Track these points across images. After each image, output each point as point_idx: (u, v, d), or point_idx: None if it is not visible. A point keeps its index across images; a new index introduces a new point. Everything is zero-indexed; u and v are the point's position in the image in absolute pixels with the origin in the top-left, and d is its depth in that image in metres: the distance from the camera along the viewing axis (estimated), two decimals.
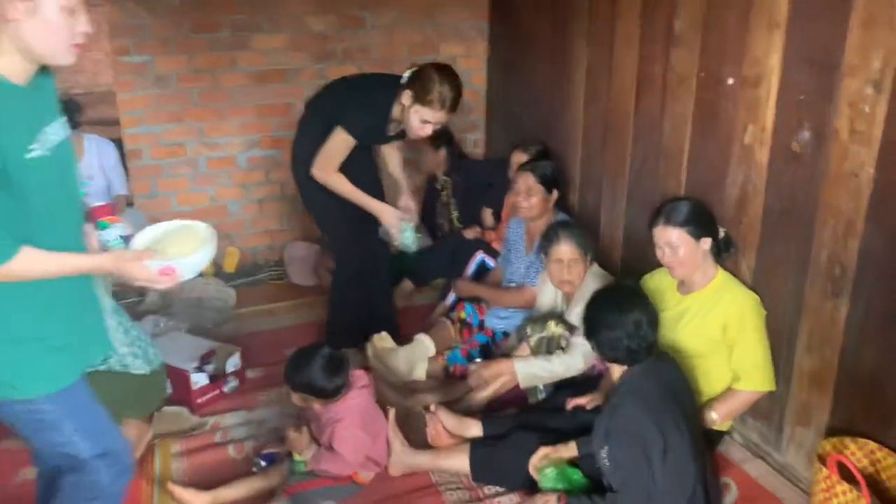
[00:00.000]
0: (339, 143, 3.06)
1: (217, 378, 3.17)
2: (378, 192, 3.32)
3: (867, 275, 2.27)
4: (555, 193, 3.44)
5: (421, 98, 2.97)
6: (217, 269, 4.35)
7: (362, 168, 3.26)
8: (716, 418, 2.61)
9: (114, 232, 2.51)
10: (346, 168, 3.13)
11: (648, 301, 2.40)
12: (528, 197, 3.38)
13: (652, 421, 2.20)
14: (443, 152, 4.25)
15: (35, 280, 1.71)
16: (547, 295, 3.25)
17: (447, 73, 3.03)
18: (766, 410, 2.71)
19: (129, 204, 4.30)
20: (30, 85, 1.69)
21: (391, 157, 3.48)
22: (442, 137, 4.16)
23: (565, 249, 3.01)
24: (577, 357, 2.91)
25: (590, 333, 2.37)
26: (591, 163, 3.69)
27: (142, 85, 4.14)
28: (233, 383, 3.23)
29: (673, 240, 2.60)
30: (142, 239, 1.95)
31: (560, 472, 2.46)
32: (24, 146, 1.64)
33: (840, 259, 2.35)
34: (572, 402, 2.71)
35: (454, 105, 3.03)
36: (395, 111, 3.08)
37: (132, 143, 4.24)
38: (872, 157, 2.20)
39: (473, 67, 4.69)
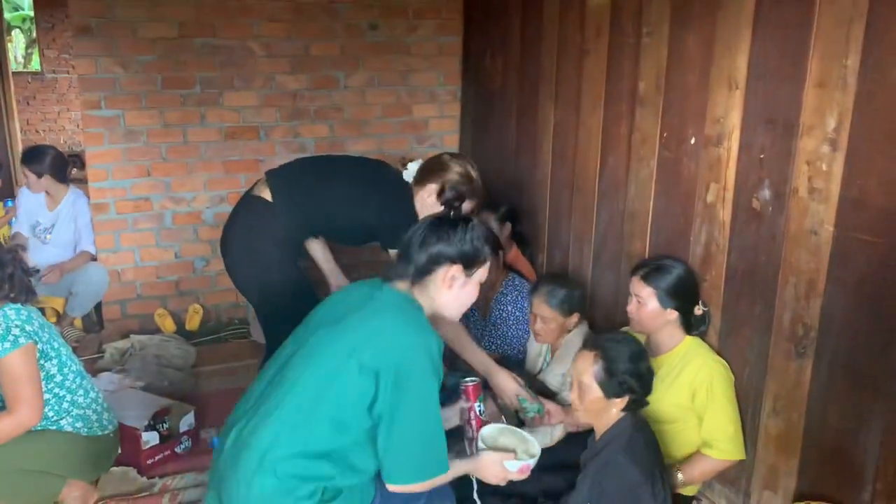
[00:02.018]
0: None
1: (170, 438, 3.05)
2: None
3: (830, 334, 2.25)
4: (500, 255, 3.43)
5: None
6: (178, 327, 4.26)
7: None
8: (681, 479, 2.53)
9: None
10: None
11: (652, 368, 2.34)
12: None
13: (645, 478, 2.12)
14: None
15: None
16: (534, 346, 3.20)
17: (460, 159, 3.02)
18: (732, 475, 2.63)
19: (93, 258, 4.23)
20: None
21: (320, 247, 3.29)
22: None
23: (542, 307, 2.96)
24: (556, 428, 2.82)
25: (610, 360, 2.21)
26: (559, 224, 3.69)
27: (111, 139, 4.11)
28: (186, 444, 3.10)
29: (643, 295, 2.57)
30: (483, 444, 2.18)
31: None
32: None
33: (803, 319, 2.33)
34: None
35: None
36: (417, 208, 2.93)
37: (99, 197, 4.18)
38: (831, 215, 2.20)
39: (446, 129, 4.73)
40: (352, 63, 4.43)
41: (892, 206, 2.02)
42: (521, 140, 3.98)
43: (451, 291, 1.98)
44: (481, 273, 2.03)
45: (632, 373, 2.16)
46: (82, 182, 4.38)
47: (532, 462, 2.08)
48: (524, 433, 2.22)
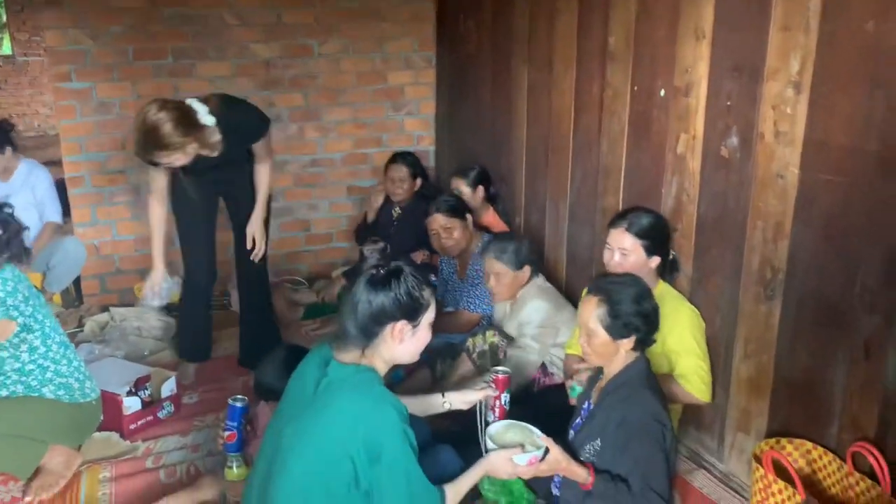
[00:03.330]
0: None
1: (151, 404, 3.07)
2: None
3: (797, 275, 2.29)
4: (469, 218, 3.49)
5: None
6: None
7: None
8: None
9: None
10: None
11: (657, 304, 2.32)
12: (449, 234, 3.43)
13: (666, 412, 2.15)
14: (419, 182, 4.20)
15: None
16: (499, 307, 3.25)
17: None
18: (707, 421, 2.69)
19: (60, 228, 4.19)
20: None
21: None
22: (418, 166, 4.17)
23: (492, 264, 3.04)
24: (532, 354, 2.92)
25: (613, 302, 2.18)
26: (535, 184, 3.71)
27: (83, 112, 4.08)
28: (168, 409, 3.12)
29: (627, 246, 2.59)
30: (491, 441, 2.21)
31: (503, 485, 2.40)
32: None
33: (771, 262, 2.37)
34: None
35: None
36: None
37: (73, 171, 4.16)
38: (796, 158, 2.23)
39: (422, 96, 4.73)
40: (325, 31, 4.41)
41: (854, 145, 2.06)
42: (497, 103, 3.99)
43: (404, 344, 1.96)
44: (428, 317, 2.00)
45: (636, 313, 2.17)
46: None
47: (539, 453, 2.11)
48: (529, 426, 2.25)
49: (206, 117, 2.89)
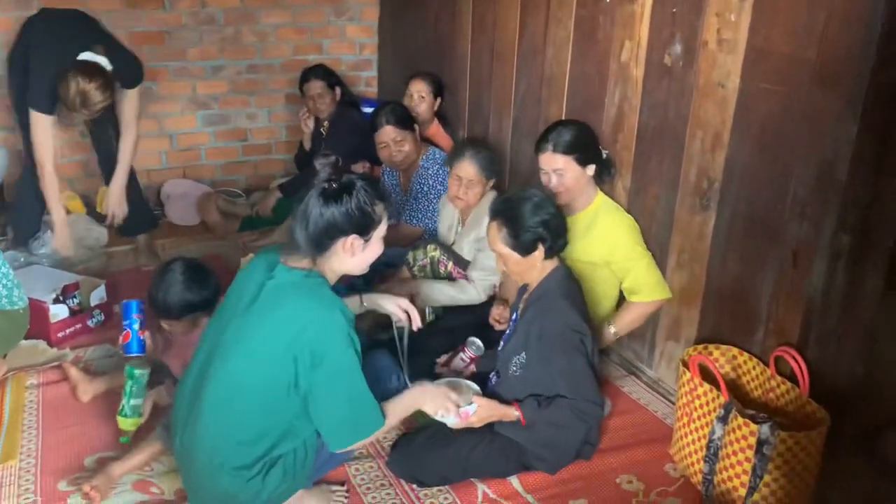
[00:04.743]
0: None
1: (80, 312, 2.98)
2: None
3: (732, 185, 2.31)
4: (416, 129, 3.41)
5: None
6: (89, 210, 4.09)
7: None
8: (614, 332, 2.64)
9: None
10: None
11: (557, 207, 2.32)
12: (400, 147, 3.34)
13: (585, 320, 2.19)
14: (338, 92, 4.05)
15: None
16: (446, 215, 3.20)
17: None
18: (640, 329, 2.74)
19: None
20: None
21: None
22: (332, 77, 4.02)
23: (467, 169, 2.92)
24: (471, 290, 2.88)
25: (511, 221, 2.20)
26: (480, 95, 3.64)
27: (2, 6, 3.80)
28: (98, 317, 3.04)
29: (559, 166, 2.57)
30: None
31: None
32: None
33: (708, 172, 2.38)
34: (492, 319, 2.68)
35: None
36: None
37: None
38: (738, 66, 2.22)
39: (365, 1, 4.54)
40: None
41: (795, 53, 2.04)
42: (441, 10, 3.85)
43: (355, 257, 1.96)
44: (380, 231, 1.98)
45: (537, 224, 2.17)
46: None
47: (471, 409, 2.13)
48: (468, 383, 2.28)
49: (108, 66, 3.19)
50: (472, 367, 2.56)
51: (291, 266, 1.94)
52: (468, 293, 2.89)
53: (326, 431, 1.93)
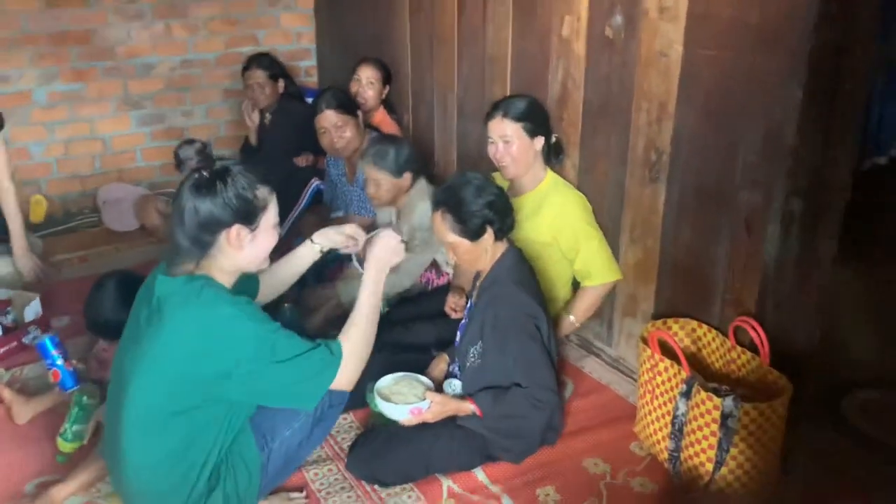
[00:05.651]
0: None
1: (15, 329, 2.83)
2: None
3: (681, 155, 2.27)
4: (360, 116, 3.28)
5: None
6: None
7: None
8: (573, 320, 2.59)
9: None
10: None
11: (500, 187, 2.25)
12: (341, 133, 3.21)
13: (538, 305, 2.12)
14: (282, 84, 3.90)
15: None
16: (384, 213, 3.12)
17: None
18: (598, 309, 2.70)
19: None
20: None
21: None
22: (276, 67, 3.88)
23: (369, 169, 2.83)
24: (402, 276, 2.81)
25: (455, 208, 2.11)
26: (422, 78, 3.55)
27: None
28: (34, 333, 2.88)
29: (508, 133, 2.50)
30: (379, 397, 2.14)
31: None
32: None
33: (655, 144, 2.34)
34: (448, 308, 2.60)
35: None
36: None
37: None
38: (680, 34, 2.17)
39: None
40: None
41: (737, 15, 2.00)
42: None
43: (244, 251, 1.77)
44: (268, 218, 1.80)
45: (482, 206, 2.10)
46: None
47: (424, 405, 2.07)
48: (420, 377, 2.20)
49: None
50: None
51: (174, 274, 1.77)
52: (393, 283, 2.77)
53: (290, 403, 1.84)
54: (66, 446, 2.17)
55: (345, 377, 1.84)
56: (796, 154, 1.93)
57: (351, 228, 2.17)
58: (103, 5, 3.94)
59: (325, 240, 2.19)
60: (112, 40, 4.01)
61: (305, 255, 2.20)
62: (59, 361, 2.31)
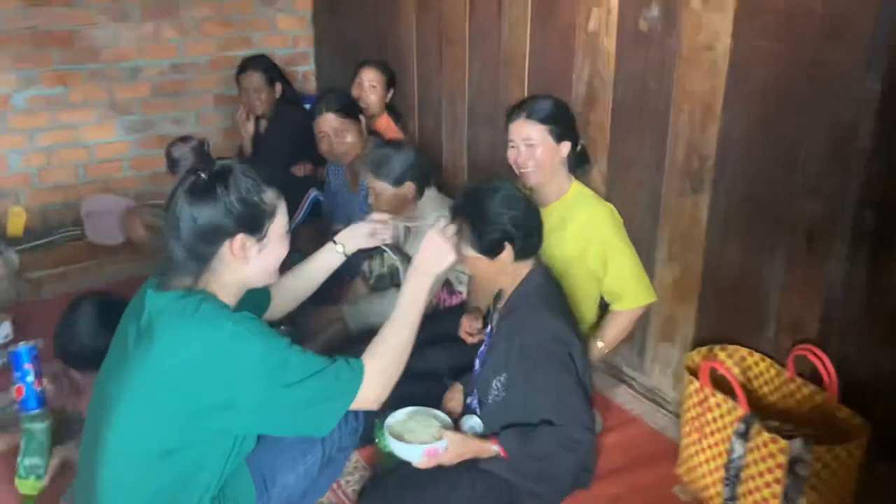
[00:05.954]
0: None
1: None
2: None
3: (728, 162, 2.03)
4: (362, 120, 3.03)
5: None
6: None
7: None
8: (601, 346, 2.30)
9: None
10: None
11: (534, 204, 1.99)
12: (341, 138, 2.95)
13: (570, 329, 1.86)
14: (279, 88, 3.67)
15: None
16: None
17: None
18: (629, 332, 2.43)
19: None
20: None
21: None
22: (274, 70, 3.64)
23: (368, 178, 2.57)
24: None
25: (475, 218, 1.84)
26: (430, 82, 3.32)
27: None
28: (3, 359, 2.62)
29: (532, 136, 2.22)
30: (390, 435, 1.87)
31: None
32: None
33: (698, 149, 2.10)
34: (463, 332, 2.33)
35: None
36: None
37: None
38: (728, 25, 1.94)
39: None
40: None
41: (797, 2, 1.77)
42: None
43: (250, 263, 1.54)
44: (277, 225, 1.56)
45: (504, 221, 1.84)
46: None
47: (440, 445, 1.81)
48: (434, 412, 1.95)
49: None
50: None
51: (168, 289, 1.52)
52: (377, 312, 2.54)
53: (302, 430, 1.57)
54: (24, 486, 1.90)
55: (371, 394, 1.57)
56: (871, 159, 1.69)
57: (377, 215, 1.94)
58: (88, 5, 3.69)
59: (350, 238, 1.95)
60: (97, 42, 3.77)
61: (326, 261, 1.95)
62: (30, 378, 2.02)
